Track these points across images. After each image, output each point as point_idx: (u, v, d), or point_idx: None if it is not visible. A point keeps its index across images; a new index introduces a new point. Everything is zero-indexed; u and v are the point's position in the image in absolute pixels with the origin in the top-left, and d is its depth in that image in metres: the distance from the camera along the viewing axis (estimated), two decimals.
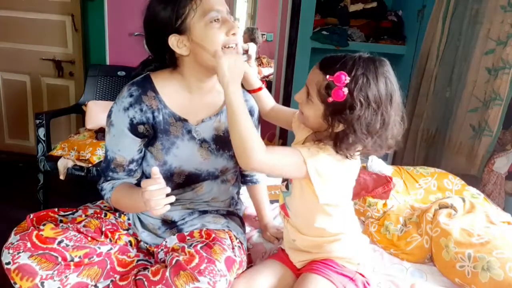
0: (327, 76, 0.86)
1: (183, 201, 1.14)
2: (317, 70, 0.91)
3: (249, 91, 1.19)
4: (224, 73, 0.91)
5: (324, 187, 0.92)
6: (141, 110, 1.03)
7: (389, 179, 1.53)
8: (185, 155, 1.09)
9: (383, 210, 1.49)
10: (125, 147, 1.06)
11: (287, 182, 1.05)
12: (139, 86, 1.05)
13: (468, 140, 2.10)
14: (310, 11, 2.83)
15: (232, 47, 1.00)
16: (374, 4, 3.00)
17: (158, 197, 0.88)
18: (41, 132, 2.25)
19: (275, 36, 3.59)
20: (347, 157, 0.92)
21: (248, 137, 0.87)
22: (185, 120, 1.08)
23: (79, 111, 2.66)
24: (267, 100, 1.21)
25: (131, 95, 1.03)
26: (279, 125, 1.20)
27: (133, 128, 1.04)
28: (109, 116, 1.05)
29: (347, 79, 0.85)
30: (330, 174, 0.92)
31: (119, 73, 2.77)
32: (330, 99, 0.86)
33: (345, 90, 0.85)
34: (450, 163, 2.19)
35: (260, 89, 1.19)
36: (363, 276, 1.03)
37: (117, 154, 1.07)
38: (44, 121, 2.25)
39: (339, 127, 0.89)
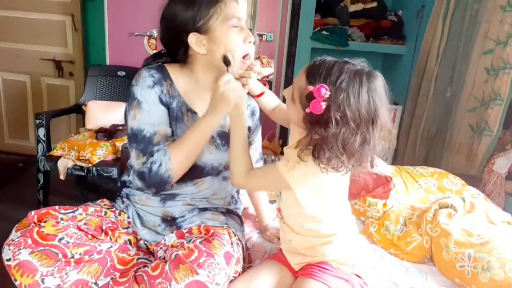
0: (309, 87, 0.85)
1: (184, 196, 1.15)
2: (303, 74, 0.89)
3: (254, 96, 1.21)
4: (229, 100, 0.99)
5: (307, 198, 0.93)
6: (162, 91, 1.07)
7: (389, 179, 1.53)
8: None
9: (383, 210, 1.49)
10: (163, 117, 1.07)
11: None
12: (157, 71, 1.09)
13: (468, 140, 2.10)
14: (310, 11, 2.83)
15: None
16: (374, 4, 3.00)
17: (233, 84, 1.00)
18: (41, 132, 2.25)
19: (275, 36, 3.59)
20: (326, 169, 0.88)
21: (234, 161, 1.01)
22: (195, 113, 1.12)
23: (79, 111, 2.66)
24: (270, 102, 1.21)
25: (152, 76, 1.07)
26: (283, 125, 1.20)
27: (162, 103, 1.07)
28: (133, 98, 1.05)
29: (327, 93, 0.82)
30: (311, 184, 0.92)
31: (119, 73, 2.77)
32: (308, 110, 0.85)
33: (323, 105, 0.82)
34: (450, 163, 2.19)
35: (262, 94, 1.19)
36: (359, 277, 1.03)
37: (159, 126, 1.05)
38: (44, 121, 2.26)
39: (316, 134, 0.87)
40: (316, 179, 0.91)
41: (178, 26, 1.05)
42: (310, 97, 0.85)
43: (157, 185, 1.05)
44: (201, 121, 1.03)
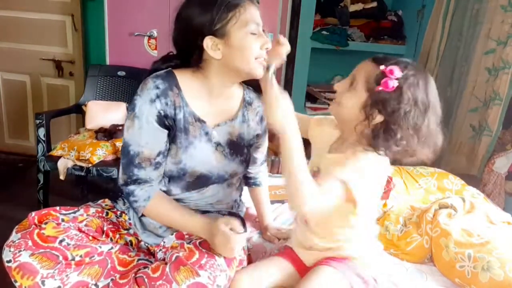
0: (381, 67, 0.87)
1: (187, 202, 1.14)
2: (369, 62, 0.92)
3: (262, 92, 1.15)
4: (280, 120, 0.88)
5: (363, 200, 0.92)
6: (166, 104, 1.03)
7: (389, 179, 1.53)
8: (200, 156, 1.08)
9: (383, 210, 1.49)
10: (152, 139, 1.03)
11: None
12: (165, 80, 1.04)
13: (468, 140, 2.10)
14: (310, 11, 2.83)
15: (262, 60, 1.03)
16: (374, 4, 3.00)
17: (242, 243, 0.96)
18: (41, 132, 2.25)
19: (275, 36, 3.58)
20: (385, 154, 0.91)
21: (295, 191, 0.85)
22: (203, 122, 1.08)
23: (79, 111, 2.66)
24: None
25: (157, 87, 1.02)
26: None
27: (161, 120, 1.03)
28: (132, 109, 1.03)
29: (400, 74, 0.86)
30: (370, 179, 0.92)
31: (119, 73, 2.77)
32: (379, 88, 0.87)
33: (395, 83, 0.85)
34: (450, 163, 2.19)
35: None
36: (376, 281, 1.03)
37: (144, 147, 1.03)
38: (44, 121, 2.25)
39: (377, 118, 0.89)
40: (374, 170, 0.92)
41: (194, 28, 1.01)
42: (381, 77, 0.87)
43: (127, 200, 1.09)
44: (193, 224, 1.03)
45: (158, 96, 1.02)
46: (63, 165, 2.17)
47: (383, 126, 0.89)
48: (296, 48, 2.90)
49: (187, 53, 1.06)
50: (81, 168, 2.18)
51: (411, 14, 2.87)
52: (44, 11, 2.83)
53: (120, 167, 1.06)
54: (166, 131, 1.05)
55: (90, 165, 2.17)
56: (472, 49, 2.11)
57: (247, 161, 1.20)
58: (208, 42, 1.00)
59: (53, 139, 2.35)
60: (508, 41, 1.89)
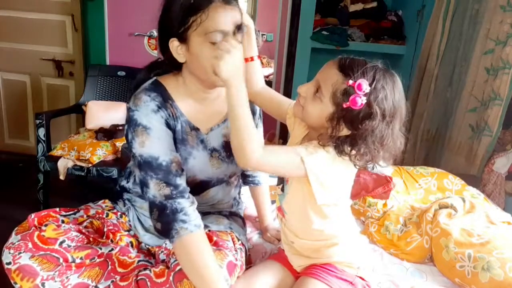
0: (348, 81, 0.83)
1: None
2: (335, 69, 0.87)
3: None
4: (225, 75, 0.85)
5: (322, 187, 0.91)
6: (169, 115, 1.00)
7: (389, 179, 1.53)
8: (199, 165, 1.06)
9: (383, 210, 1.49)
10: (172, 145, 0.99)
11: (282, 184, 1.05)
12: (157, 92, 1.00)
13: (468, 140, 2.10)
14: (310, 11, 2.84)
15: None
16: (374, 4, 3.00)
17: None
18: (41, 132, 2.25)
19: (275, 36, 3.59)
20: (353, 162, 0.90)
21: (247, 137, 0.84)
22: (197, 129, 1.05)
23: (79, 111, 2.66)
24: (258, 75, 1.09)
25: (154, 99, 0.98)
26: (267, 111, 1.11)
27: (169, 127, 0.99)
28: (136, 125, 0.96)
29: (368, 88, 0.82)
30: (328, 173, 0.91)
31: (119, 73, 2.77)
32: (346, 105, 0.83)
33: (364, 99, 0.82)
34: (450, 163, 2.19)
35: (252, 59, 1.06)
36: (363, 279, 1.03)
37: (172, 154, 0.97)
38: (44, 121, 2.25)
39: (343, 131, 0.87)
40: (332, 168, 0.91)
41: (164, 28, 0.98)
42: (348, 92, 0.83)
43: (161, 223, 0.96)
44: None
45: (159, 108, 0.98)
46: (63, 165, 2.17)
47: (349, 139, 0.87)
48: (296, 48, 2.90)
49: (165, 55, 1.02)
50: (81, 168, 2.18)
51: (411, 14, 2.87)
52: (44, 11, 2.83)
53: (153, 184, 0.95)
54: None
55: (90, 165, 2.17)
56: (471, 49, 2.11)
57: None
58: (173, 44, 0.96)
59: (53, 139, 2.35)
60: (508, 41, 1.89)
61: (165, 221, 0.95)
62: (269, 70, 4.47)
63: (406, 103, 0.90)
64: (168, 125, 0.99)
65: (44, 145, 2.25)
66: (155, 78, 1.05)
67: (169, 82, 1.04)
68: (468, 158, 2.09)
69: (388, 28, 2.98)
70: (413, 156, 2.55)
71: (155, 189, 0.95)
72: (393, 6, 3.17)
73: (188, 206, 0.96)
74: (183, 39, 0.95)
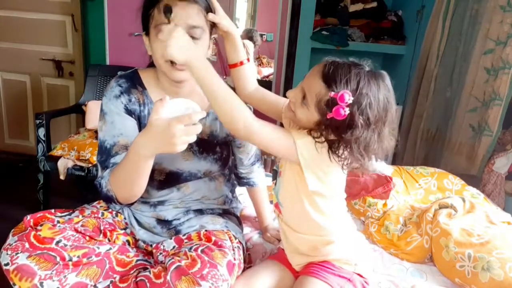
0: (331, 92, 0.83)
1: (172, 201, 1.14)
2: (318, 79, 0.86)
3: (230, 66, 1.08)
4: (180, 58, 0.86)
5: (313, 172, 0.91)
6: (130, 100, 1.06)
7: (389, 179, 1.53)
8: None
9: (383, 210, 1.49)
10: (126, 128, 1.04)
11: (276, 180, 1.05)
12: (127, 79, 1.08)
13: (468, 140, 2.10)
14: (310, 11, 2.84)
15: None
16: (374, 4, 3.00)
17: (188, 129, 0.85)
18: (41, 132, 2.25)
19: (275, 36, 3.59)
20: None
21: (235, 104, 0.85)
22: None
23: (79, 111, 2.66)
24: (250, 78, 1.08)
25: (120, 86, 1.07)
26: (264, 112, 1.10)
27: (128, 113, 1.06)
28: (101, 109, 1.06)
29: (350, 99, 0.82)
30: (319, 158, 0.90)
31: (119, 73, 2.77)
32: (330, 115, 0.84)
33: (347, 110, 0.82)
34: (450, 163, 2.19)
35: (242, 63, 1.06)
36: (361, 276, 1.03)
37: (119, 137, 1.04)
38: (44, 121, 2.25)
39: (331, 136, 0.88)
40: (321, 157, 0.91)
41: (142, 24, 1.06)
42: (331, 103, 0.83)
43: (106, 200, 1.04)
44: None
45: (122, 93, 1.06)
46: (63, 165, 2.17)
47: (336, 143, 0.88)
48: (296, 48, 2.90)
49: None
50: (81, 168, 2.18)
51: (411, 14, 2.87)
52: (44, 11, 2.83)
53: (98, 166, 1.06)
54: (135, 121, 1.07)
55: (90, 165, 2.17)
56: (471, 49, 2.11)
57: (223, 160, 1.18)
58: (144, 39, 1.06)
59: (53, 139, 2.35)
60: (508, 41, 1.89)
61: (105, 199, 1.04)
62: (269, 70, 4.47)
63: (398, 105, 0.90)
64: (128, 111, 1.05)
65: (44, 145, 2.25)
66: (135, 68, 1.12)
67: (147, 74, 1.11)
68: (468, 158, 2.09)
69: (388, 28, 2.98)
70: (413, 156, 2.55)
71: (98, 171, 1.05)
72: (393, 6, 3.17)
73: (106, 174, 1.01)
74: (147, 34, 1.04)
